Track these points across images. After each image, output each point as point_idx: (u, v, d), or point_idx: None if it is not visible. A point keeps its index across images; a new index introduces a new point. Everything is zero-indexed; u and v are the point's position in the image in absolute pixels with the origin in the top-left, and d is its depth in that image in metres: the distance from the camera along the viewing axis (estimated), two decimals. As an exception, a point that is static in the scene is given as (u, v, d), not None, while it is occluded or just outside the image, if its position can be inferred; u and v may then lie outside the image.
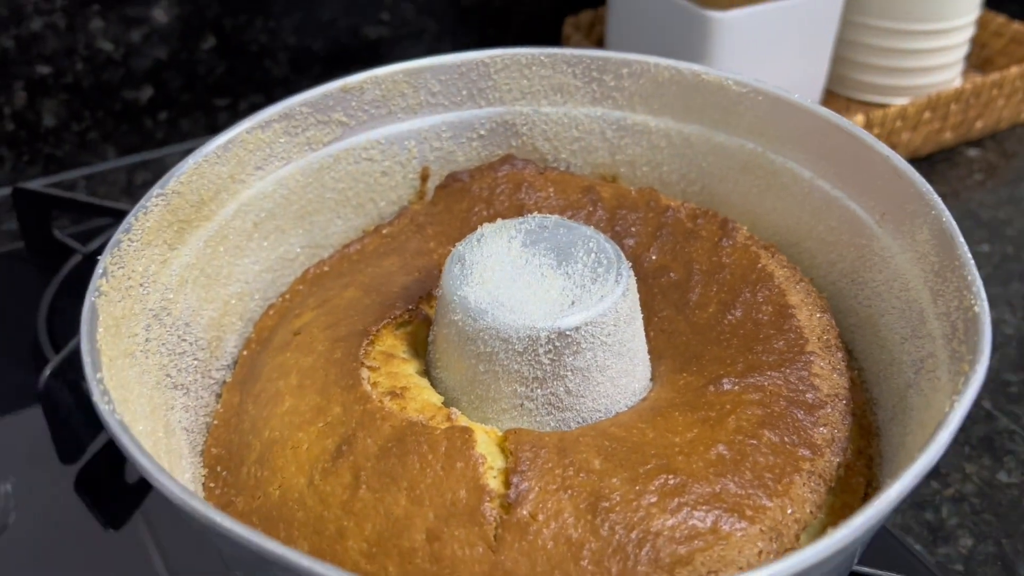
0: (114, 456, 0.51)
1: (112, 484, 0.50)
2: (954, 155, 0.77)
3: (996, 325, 0.60)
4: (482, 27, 0.84)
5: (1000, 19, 0.83)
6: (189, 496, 0.23)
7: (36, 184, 0.68)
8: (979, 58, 0.85)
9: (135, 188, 0.72)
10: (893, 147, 0.73)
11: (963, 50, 0.79)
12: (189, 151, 0.36)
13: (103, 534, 0.47)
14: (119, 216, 0.60)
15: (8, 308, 0.59)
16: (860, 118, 0.69)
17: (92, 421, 0.49)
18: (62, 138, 0.72)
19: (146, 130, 0.74)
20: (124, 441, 0.25)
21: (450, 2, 0.81)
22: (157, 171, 0.73)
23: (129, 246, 0.33)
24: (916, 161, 0.76)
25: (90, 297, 0.30)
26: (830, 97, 0.80)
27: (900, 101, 0.72)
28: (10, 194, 0.62)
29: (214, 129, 0.76)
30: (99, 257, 0.31)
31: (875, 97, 0.79)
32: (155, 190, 0.35)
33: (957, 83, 0.77)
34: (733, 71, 0.41)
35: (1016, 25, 0.82)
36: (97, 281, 0.31)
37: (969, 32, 0.77)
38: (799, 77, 0.74)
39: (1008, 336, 0.59)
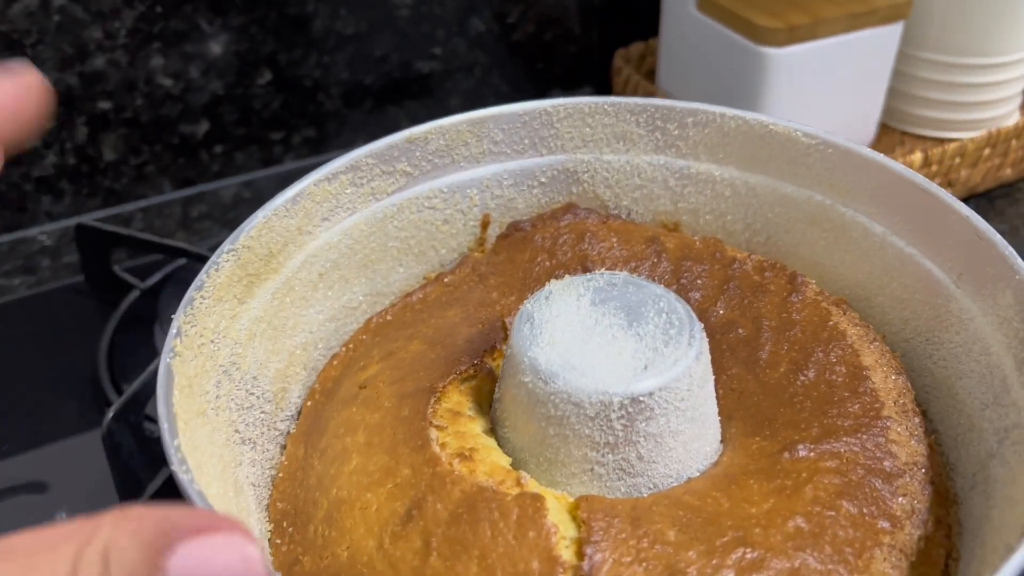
0: (173, 493, 0.51)
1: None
2: (1013, 191, 0.76)
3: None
4: (532, 61, 0.84)
5: (1062, 52, 0.81)
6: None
7: (96, 218, 0.69)
8: (1039, 91, 0.83)
9: (190, 220, 0.73)
10: (951, 184, 0.72)
11: (1021, 84, 0.77)
12: (243, 184, 0.36)
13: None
14: (174, 253, 0.61)
15: (70, 342, 0.60)
16: (918, 156, 0.67)
17: (151, 462, 0.50)
18: (121, 172, 0.73)
19: (202, 163, 0.75)
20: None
21: (500, 37, 0.81)
22: (212, 203, 0.74)
23: (201, 303, 0.33)
24: (974, 197, 0.74)
25: (165, 359, 0.30)
26: (884, 131, 0.79)
27: (956, 135, 0.71)
28: (73, 228, 0.63)
29: (268, 162, 0.77)
30: (172, 317, 0.32)
31: (930, 131, 0.77)
32: (226, 246, 0.35)
33: (1015, 117, 0.76)
34: (801, 123, 0.41)
35: (1079, 58, 0.80)
36: (172, 342, 0.31)
37: (1029, 66, 0.76)
38: (854, 112, 0.73)
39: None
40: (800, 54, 0.66)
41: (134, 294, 0.61)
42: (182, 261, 0.61)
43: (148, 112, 0.71)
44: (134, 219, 0.73)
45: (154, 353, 0.51)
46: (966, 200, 0.74)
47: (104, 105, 0.70)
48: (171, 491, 0.52)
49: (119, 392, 0.54)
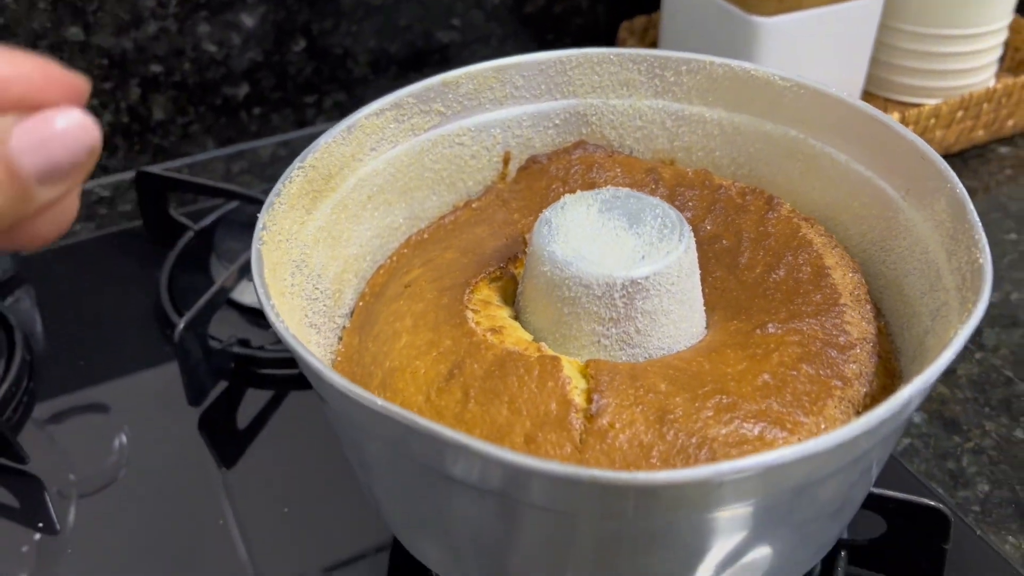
0: (230, 402, 0.59)
1: (227, 428, 0.58)
2: (986, 152, 0.82)
3: (1020, 305, 0.65)
4: (543, 32, 0.91)
5: (1032, 24, 0.88)
6: (352, 385, 0.30)
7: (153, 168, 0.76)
8: (1013, 61, 0.90)
9: (232, 176, 0.80)
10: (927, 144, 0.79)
11: (996, 53, 0.84)
12: (279, 144, 0.44)
13: (213, 474, 0.54)
14: (226, 196, 0.68)
15: (131, 279, 0.68)
16: (896, 116, 0.74)
17: (214, 370, 0.57)
18: (169, 130, 0.80)
19: (241, 124, 0.82)
20: (299, 350, 0.32)
21: (513, 9, 0.88)
22: (251, 160, 0.82)
23: (279, 207, 0.40)
24: (948, 157, 0.81)
25: (256, 245, 0.37)
26: (868, 98, 0.85)
27: (935, 102, 0.78)
28: (132, 177, 0.70)
29: (301, 124, 0.84)
30: (258, 215, 0.39)
31: (911, 98, 0.84)
32: (296, 163, 0.42)
33: (990, 85, 0.82)
34: (778, 69, 0.47)
35: (1047, 30, 0.87)
36: (259, 232, 0.38)
37: (1002, 36, 0.82)
38: (838, 79, 0.80)
39: (1031, 315, 0.64)
40: (788, 23, 0.73)
41: (189, 235, 0.68)
42: (233, 204, 0.68)
43: (194, 76, 0.79)
44: (181, 173, 0.80)
45: (211, 284, 0.58)
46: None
47: (155, 68, 0.77)
48: (230, 400, 0.59)
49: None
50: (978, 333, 0.63)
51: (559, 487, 0.28)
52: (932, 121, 0.77)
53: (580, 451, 0.35)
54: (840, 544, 0.44)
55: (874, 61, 0.83)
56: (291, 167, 0.42)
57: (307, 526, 0.50)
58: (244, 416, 0.58)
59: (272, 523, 0.51)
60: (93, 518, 0.52)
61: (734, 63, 0.48)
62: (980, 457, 0.53)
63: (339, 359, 0.43)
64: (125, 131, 0.78)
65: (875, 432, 0.30)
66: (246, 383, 0.59)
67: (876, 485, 0.42)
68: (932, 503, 0.42)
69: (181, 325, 0.53)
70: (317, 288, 0.42)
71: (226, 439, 0.57)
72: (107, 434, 0.57)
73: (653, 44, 0.89)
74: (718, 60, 0.49)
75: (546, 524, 0.32)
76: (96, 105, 0.76)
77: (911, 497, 0.42)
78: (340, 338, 0.45)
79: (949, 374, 0.59)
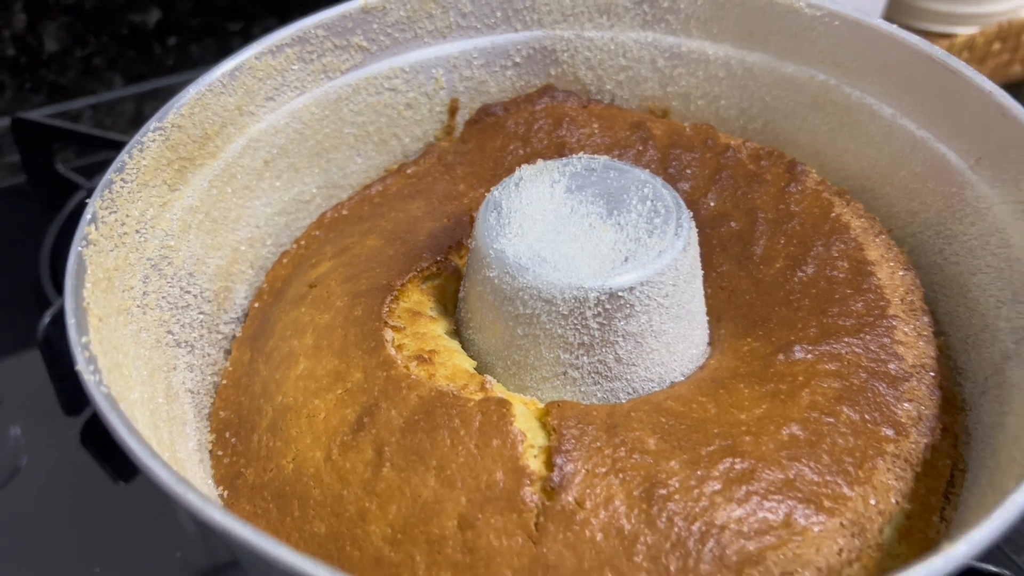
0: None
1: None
2: (1023, 89, 0.71)
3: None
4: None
5: (1080, -61, 0.76)
6: (185, 489, 0.20)
7: (38, 114, 0.64)
8: (1052, -17, 0.78)
9: (144, 119, 0.68)
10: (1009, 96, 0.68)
11: (1036, -26, 0.72)
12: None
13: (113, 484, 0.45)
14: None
15: (10, 246, 0.56)
16: (925, 48, 0.63)
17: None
18: (65, 64, 0.67)
19: (155, 57, 0.70)
20: (111, 419, 0.21)
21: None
22: (167, 99, 0.69)
23: (123, 187, 0.29)
24: (981, 96, 0.70)
25: (76, 248, 0.26)
26: (888, 25, 0.74)
27: (964, 30, 0.66)
28: (9, 125, 0.58)
29: (226, 55, 0.72)
30: (87, 201, 0.28)
31: (937, 26, 0.73)
32: (152, 124, 0.31)
33: (1029, 11, 0.71)
34: (806, -9, 0.36)
35: (1098, -54, 0.75)
36: (85, 229, 0.27)
37: (1047, -47, 0.70)
38: (856, 3, 0.68)
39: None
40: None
41: (80, 194, 0.56)
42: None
43: (92, -2, 0.66)
44: (83, 116, 0.68)
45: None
46: (971, 99, 0.70)
47: (42, -11, 0.64)
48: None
49: (63, 298, 0.51)
50: None
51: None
52: (965, 55, 0.66)
53: (536, 543, 0.25)
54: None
55: (895, -17, 0.71)
56: (143, 129, 0.30)
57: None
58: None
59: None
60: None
61: (748, -16, 0.37)
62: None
63: (225, 382, 0.33)
64: (12, 66, 0.66)
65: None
66: (143, 381, 0.48)
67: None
68: (995, 569, 0.32)
69: (46, 319, 0.43)
70: (188, 292, 0.32)
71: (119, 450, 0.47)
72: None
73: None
74: (726, -20, 0.37)
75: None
76: (-27, 34, 0.63)
77: (974, 563, 0.32)
78: (228, 352, 0.34)
79: None
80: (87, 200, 0.28)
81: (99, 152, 0.62)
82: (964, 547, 0.19)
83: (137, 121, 0.68)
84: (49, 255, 0.54)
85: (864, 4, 0.68)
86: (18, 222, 0.58)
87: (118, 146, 0.56)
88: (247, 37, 0.72)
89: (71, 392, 0.45)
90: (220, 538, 0.20)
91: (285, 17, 0.72)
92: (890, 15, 0.73)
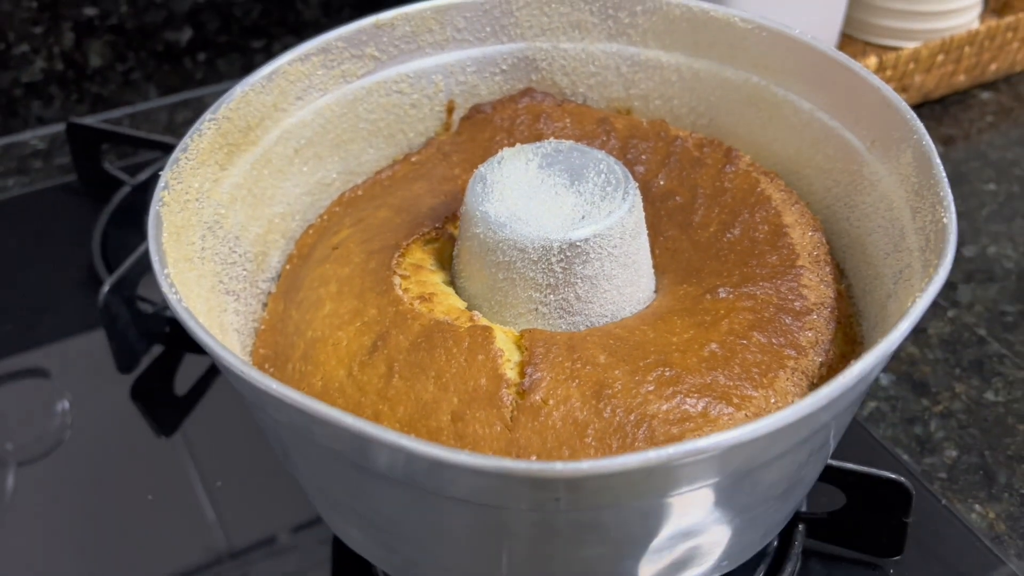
0: (166, 368, 0.56)
1: (164, 394, 0.55)
2: (967, 98, 0.79)
3: (997, 259, 0.62)
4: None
5: (1019, -38, 0.83)
6: (245, 366, 0.27)
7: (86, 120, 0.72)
8: (998, 2, 0.86)
9: (176, 126, 0.76)
10: (905, 89, 0.75)
11: (980, -7, 0.80)
12: (226, 91, 0.40)
13: (155, 441, 0.51)
14: (165, 149, 0.64)
15: (64, 237, 0.64)
16: (872, 60, 0.70)
17: (146, 334, 0.54)
18: (108, 78, 0.75)
19: (186, 71, 0.78)
20: (191, 324, 0.29)
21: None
22: (197, 109, 0.77)
23: (186, 163, 0.36)
24: (929, 103, 0.78)
25: (155, 207, 0.34)
26: (847, 40, 0.82)
27: (915, 45, 0.74)
28: (64, 129, 0.66)
29: (249, 70, 0.79)
30: (160, 173, 0.35)
31: (892, 41, 0.80)
32: (207, 115, 0.38)
33: (974, 27, 0.79)
34: (739, 9, 0.44)
35: (1035, -32, 0.83)
36: (160, 193, 0.34)
37: (987, -25, 0.78)
38: (816, 20, 0.76)
39: (1008, 270, 0.61)
40: (762, -40, 0.68)
41: (125, 190, 0.64)
42: (169, 158, 0.64)
43: (132, 19, 0.74)
44: (122, 123, 0.76)
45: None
46: (920, 106, 0.77)
47: (89, 11, 0.72)
48: (166, 365, 0.56)
49: (115, 278, 0.58)
50: (952, 289, 0.60)
51: (473, 478, 0.26)
52: (911, 66, 0.73)
53: (510, 430, 0.32)
54: (798, 517, 0.42)
55: (853, 1, 0.79)
56: (201, 119, 0.38)
57: (267, 489, 0.48)
58: (183, 382, 0.55)
59: (234, 485, 0.48)
60: (34, 486, 0.49)
61: (692, 3, 0.45)
62: (948, 421, 0.51)
63: (263, 327, 0.40)
64: (60, 79, 0.74)
65: (817, 415, 0.27)
66: (183, 348, 0.56)
67: (837, 453, 0.40)
68: (892, 476, 0.39)
69: (106, 288, 0.50)
70: (235, 251, 0.39)
71: (163, 406, 0.54)
72: (45, 400, 0.54)
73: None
74: (675, -1, 0.45)
75: (468, 515, 0.29)
76: (27, 51, 0.71)
77: (870, 470, 0.39)
78: (265, 304, 0.42)
79: (919, 333, 0.56)
80: (159, 174, 0.35)
81: (139, 153, 0.70)
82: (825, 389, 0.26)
83: (170, 128, 0.76)
84: (100, 243, 0.61)
85: (823, 19, 0.76)
86: (71, 216, 0.66)
87: (157, 146, 0.64)
88: (269, 54, 0.80)
89: (125, 353, 0.53)
90: (271, 403, 0.28)
91: (302, 35, 0.80)
92: (848, 30, 0.81)
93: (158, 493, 0.48)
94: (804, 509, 0.43)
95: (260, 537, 0.46)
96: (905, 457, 0.49)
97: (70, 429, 0.53)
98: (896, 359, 0.54)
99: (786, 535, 0.42)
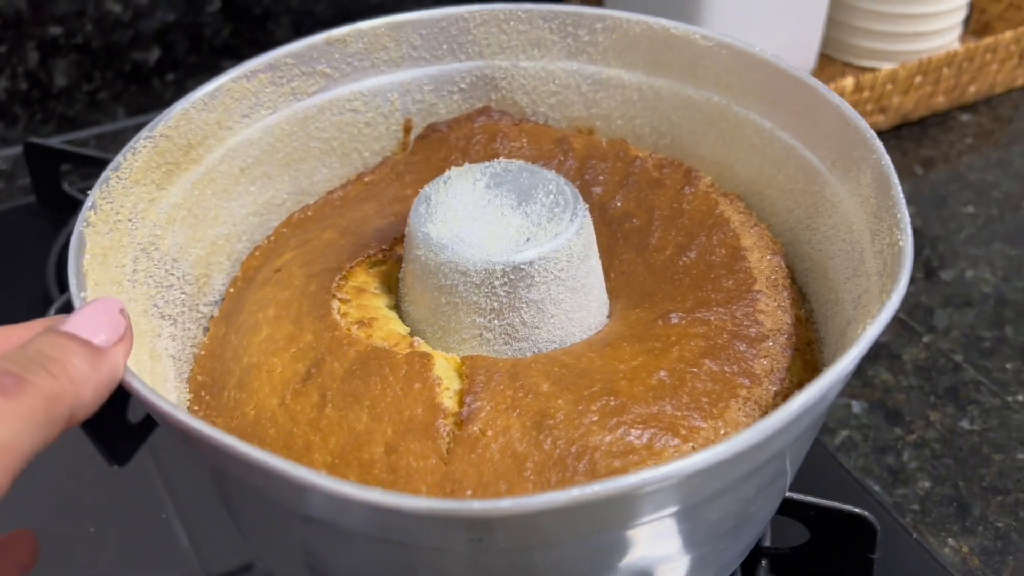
0: (117, 397, 0.54)
1: (116, 423, 0.53)
2: (947, 119, 0.78)
3: (975, 284, 0.61)
4: (483, -8, 0.85)
5: (998, -16, 0.83)
6: (158, 398, 0.26)
7: (49, 141, 0.71)
8: (978, 23, 0.85)
9: (144, 146, 0.75)
10: (883, 111, 0.74)
11: (960, 15, 0.79)
12: None
13: (111, 470, 0.50)
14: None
15: (21, 259, 0.62)
16: (850, 81, 0.69)
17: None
18: (74, 97, 0.74)
19: (154, 91, 0.77)
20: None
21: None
22: (165, 130, 0.76)
23: (118, 183, 0.35)
24: (908, 125, 0.77)
25: (78, 227, 0.32)
26: (825, 62, 0.81)
27: (894, 66, 0.73)
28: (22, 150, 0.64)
29: (220, 90, 0.78)
30: (88, 192, 0.34)
31: (870, 62, 0.79)
32: (143, 133, 0.37)
33: (953, 48, 0.78)
34: (700, 27, 0.43)
35: (1014, -10, 0.82)
36: (86, 213, 0.33)
37: (966, -3, 0.78)
38: (794, 41, 0.75)
39: (986, 294, 0.60)
40: (736, -19, 0.68)
41: (84, 211, 0.63)
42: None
43: (99, 38, 0.73)
44: (88, 144, 0.75)
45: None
46: (899, 127, 0.76)
47: (55, 30, 0.71)
48: (116, 394, 0.55)
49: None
50: (928, 314, 0.59)
51: (383, 516, 0.24)
52: (889, 87, 0.72)
53: (446, 463, 0.30)
54: (761, 552, 0.41)
55: (831, 23, 0.78)
56: (136, 137, 0.37)
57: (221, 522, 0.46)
58: (137, 411, 0.54)
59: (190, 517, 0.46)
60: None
61: (652, 20, 0.43)
62: (922, 451, 0.49)
63: (203, 353, 0.39)
64: (24, 99, 0.73)
65: (759, 448, 0.25)
66: (136, 373, 0.54)
67: (802, 485, 0.38)
68: (855, 510, 0.38)
69: (52, 312, 0.48)
70: (172, 274, 0.38)
71: (116, 435, 0.52)
72: None
73: (600, 2, 0.83)
74: (635, 17, 0.44)
75: (392, 556, 0.27)
76: (-9, 70, 0.70)
77: (832, 504, 0.38)
78: (206, 329, 0.40)
79: (893, 359, 0.55)
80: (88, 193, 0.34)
81: (101, 173, 0.69)
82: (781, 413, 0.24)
83: (137, 148, 0.74)
84: (55, 265, 0.60)
85: (801, 40, 0.75)
86: (28, 237, 0.64)
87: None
88: (239, 73, 0.79)
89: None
90: (198, 445, 0.26)
91: (274, 55, 0.79)
92: (827, 51, 0.81)
93: (99, 524, 0.46)
94: (767, 544, 0.41)
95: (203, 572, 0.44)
96: (876, 488, 0.47)
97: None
98: (869, 386, 0.53)
99: (749, 569, 0.40)
